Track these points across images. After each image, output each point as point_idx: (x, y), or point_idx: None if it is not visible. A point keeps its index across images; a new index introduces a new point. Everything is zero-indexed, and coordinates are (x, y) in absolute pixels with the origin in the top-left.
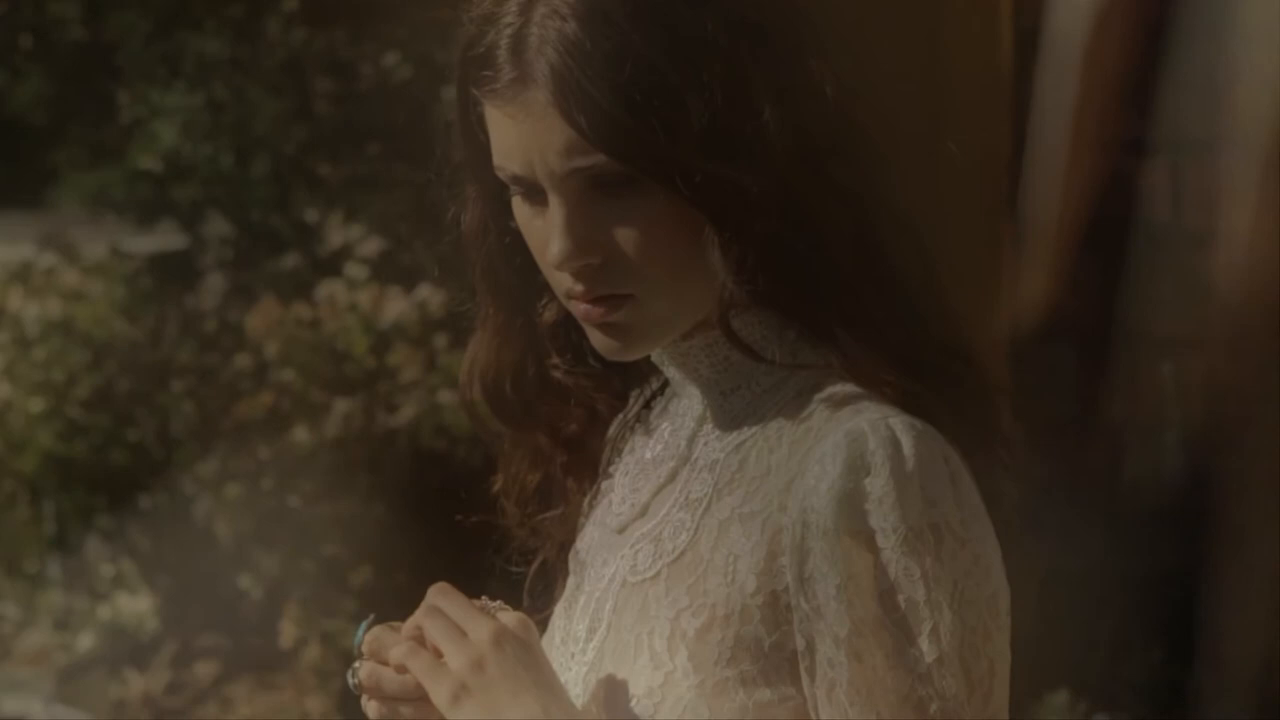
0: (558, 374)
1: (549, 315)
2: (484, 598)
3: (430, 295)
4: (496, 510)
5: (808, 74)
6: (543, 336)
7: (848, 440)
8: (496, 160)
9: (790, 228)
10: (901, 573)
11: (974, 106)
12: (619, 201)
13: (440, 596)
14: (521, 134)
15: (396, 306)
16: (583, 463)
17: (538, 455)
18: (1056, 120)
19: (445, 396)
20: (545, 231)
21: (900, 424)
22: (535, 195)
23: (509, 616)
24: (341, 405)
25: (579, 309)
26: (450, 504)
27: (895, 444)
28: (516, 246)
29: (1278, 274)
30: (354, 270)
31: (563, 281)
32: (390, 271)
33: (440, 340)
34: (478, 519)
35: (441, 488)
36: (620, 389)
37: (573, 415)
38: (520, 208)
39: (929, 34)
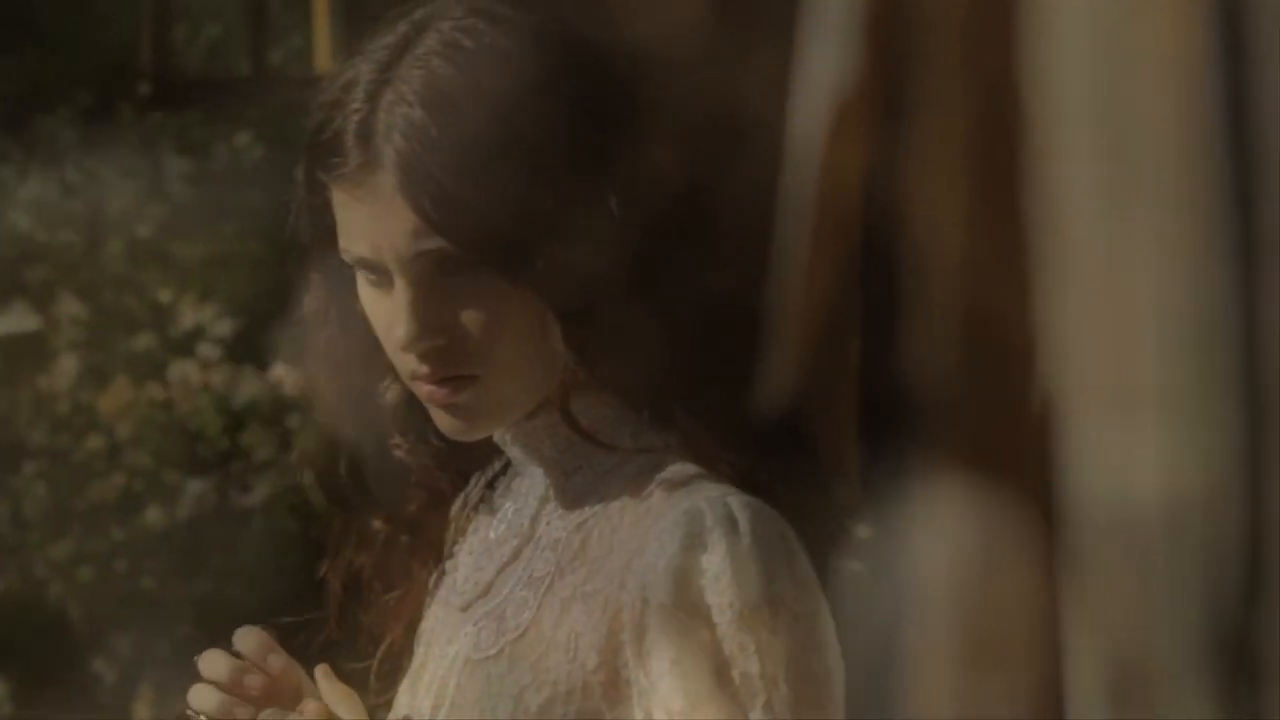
0: (399, 454)
1: (391, 396)
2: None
3: (284, 375)
4: (324, 597)
5: (652, 164)
6: (384, 417)
7: (685, 518)
8: (343, 243)
9: (633, 314)
10: (736, 647)
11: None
12: (465, 284)
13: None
14: (369, 218)
15: (250, 386)
16: (425, 543)
17: (367, 537)
18: (800, 215)
19: (297, 477)
20: (391, 314)
21: (737, 502)
22: (382, 278)
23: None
24: (194, 486)
25: (423, 390)
26: (305, 584)
27: (732, 521)
28: (359, 328)
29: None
30: (207, 351)
31: (408, 363)
32: (244, 351)
33: (294, 420)
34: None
35: (297, 567)
36: (462, 469)
37: (413, 496)
38: (366, 290)
39: (771, 125)
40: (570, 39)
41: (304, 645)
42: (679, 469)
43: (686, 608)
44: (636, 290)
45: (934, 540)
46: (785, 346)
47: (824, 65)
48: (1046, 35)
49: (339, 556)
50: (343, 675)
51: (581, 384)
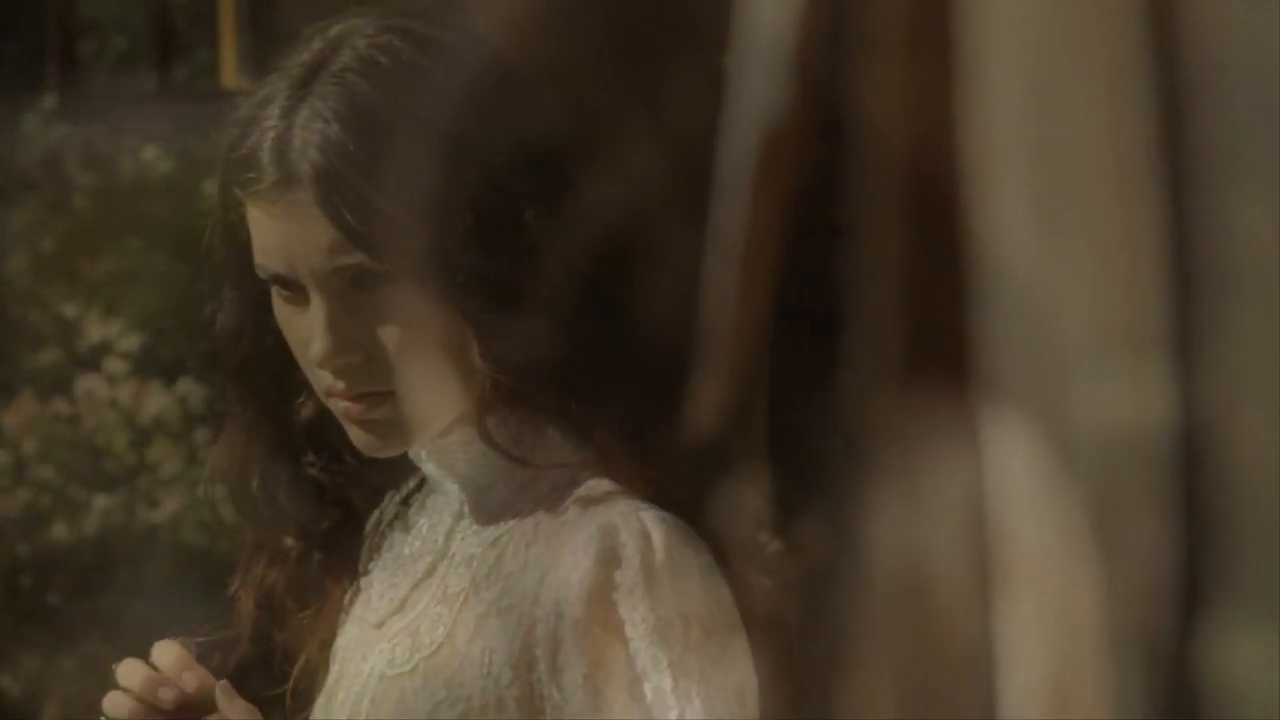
0: (313, 471)
1: (305, 412)
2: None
3: (191, 390)
4: (234, 613)
5: (570, 181)
6: (298, 434)
7: (600, 533)
8: (258, 259)
9: (552, 330)
10: (649, 662)
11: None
12: (381, 300)
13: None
14: (285, 234)
15: (157, 401)
16: (339, 560)
17: (278, 554)
18: (730, 240)
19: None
20: (307, 330)
21: (651, 518)
22: (297, 294)
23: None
24: (101, 501)
25: (339, 406)
26: (215, 600)
27: (646, 537)
28: (273, 345)
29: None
30: (113, 366)
31: (323, 379)
32: (150, 366)
33: (202, 435)
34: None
35: (205, 584)
36: (377, 486)
37: (327, 513)
38: (281, 307)
39: (690, 146)
40: (484, 56)
41: (220, 664)
42: (594, 484)
43: (600, 623)
44: (555, 304)
45: (876, 535)
46: (716, 370)
47: (755, 93)
48: (984, 49)
49: (250, 573)
50: (257, 697)
51: (498, 399)
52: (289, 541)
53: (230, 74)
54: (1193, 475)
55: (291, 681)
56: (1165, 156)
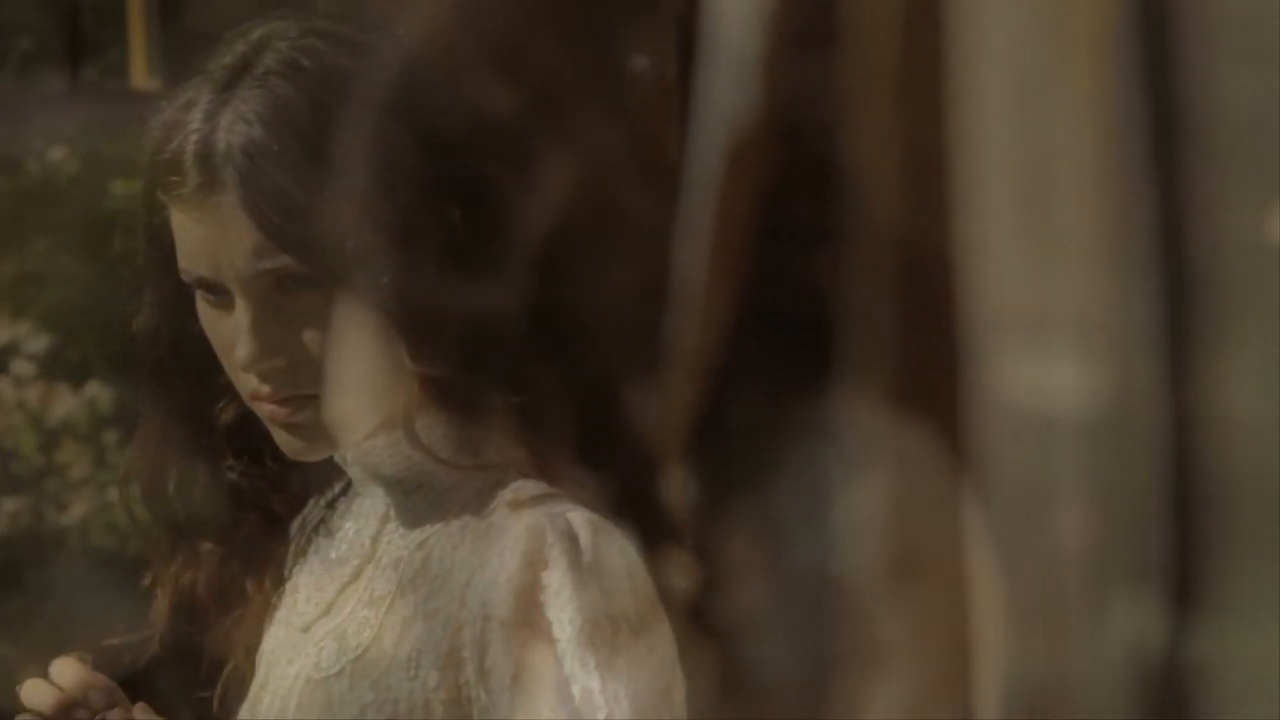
0: (233, 475)
1: (227, 417)
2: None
3: (100, 392)
4: (150, 615)
5: (496, 181)
6: (218, 437)
7: (526, 534)
8: (182, 263)
9: (480, 331)
10: (577, 664)
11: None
12: (306, 303)
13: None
14: (209, 238)
15: (65, 404)
16: (260, 564)
17: (195, 557)
18: (698, 244)
19: (116, 494)
20: (231, 334)
21: (579, 518)
22: (221, 298)
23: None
24: (9, 504)
25: (264, 410)
26: (125, 603)
27: (573, 538)
28: (194, 349)
29: None
30: (21, 367)
31: (248, 383)
32: (58, 368)
33: (110, 437)
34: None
35: (114, 586)
36: (300, 490)
37: (246, 517)
38: (205, 310)
39: (618, 145)
40: (407, 57)
41: (131, 665)
42: (521, 486)
43: (527, 624)
44: (482, 305)
45: (859, 478)
46: (683, 370)
47: (723, 98)
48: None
49: (165, 574)
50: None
51: (425, 402)
52: (206, 545)
53: (140, 74)
54: (1183, 468)
55: (219, 688)
56: (1150, 172)
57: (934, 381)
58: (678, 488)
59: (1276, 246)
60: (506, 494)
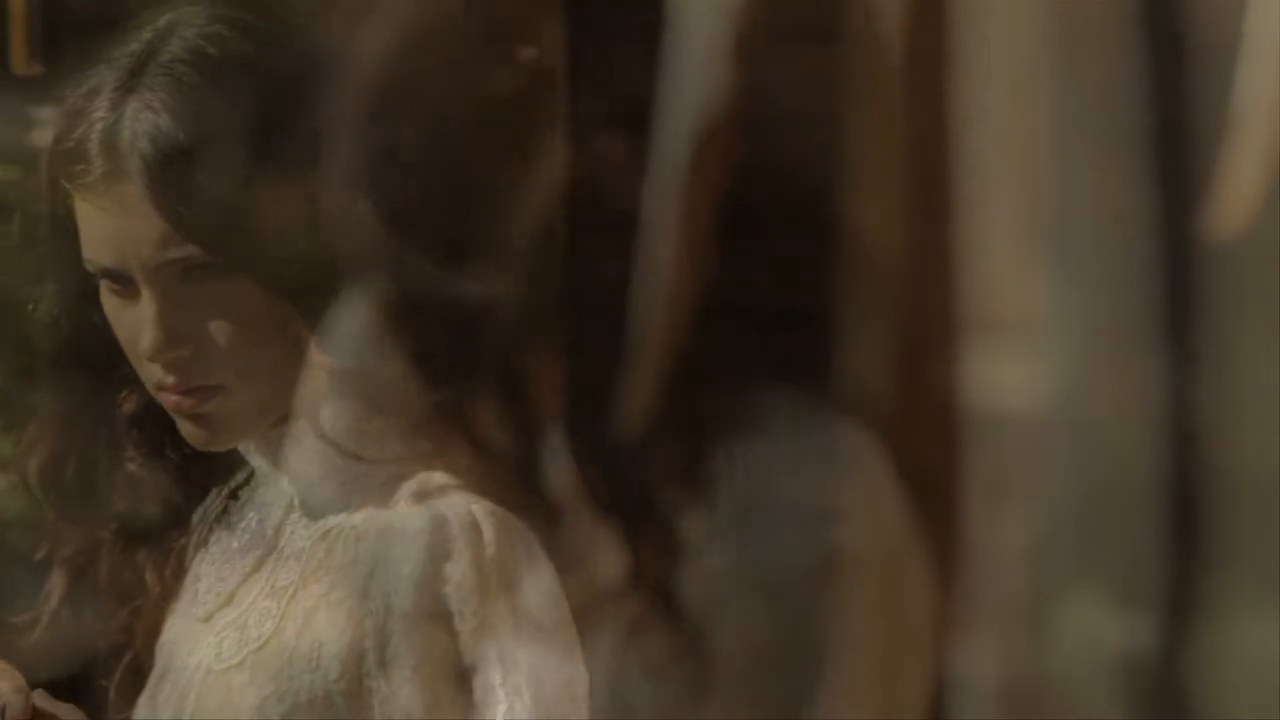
0: (133, 467)
1: (129, 406)
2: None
3: None
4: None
5: (407, 167)
6: (119, 428)
7: (430, 526)
8: (87, 253)
9: (387, 320)
10: (478, 656)
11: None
12: (212, 293)
13: None
14: (115, 227)
15: None
16: (160, 555)
17: (94, 546)
18: (663, 238)
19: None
20: (136, 324)
21: (482, 511)
22: (127, 288)
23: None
24: None
25: (169, 400)
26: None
27: (476, 530)
28: (95, 339)
29: None
30: None
31: (153, 374)
32: None
33: None
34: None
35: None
36: (201, 482)
37: (146, 508)
38: (110, 301)
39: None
40: (313, 44)
41: (19, 647)
42: (426, 478)
43: (429, 616)
44: (390, 294)
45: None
46: (645, 369)
47: (690, 90)
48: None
49: (61, 559)
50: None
51: (331, 393)
52: (105, 535)
53: (20, 60)
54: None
55: (117, 676)
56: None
57: (894, 377)
58: (584, 480)
59: (1226, 244)
60: (411, 485)
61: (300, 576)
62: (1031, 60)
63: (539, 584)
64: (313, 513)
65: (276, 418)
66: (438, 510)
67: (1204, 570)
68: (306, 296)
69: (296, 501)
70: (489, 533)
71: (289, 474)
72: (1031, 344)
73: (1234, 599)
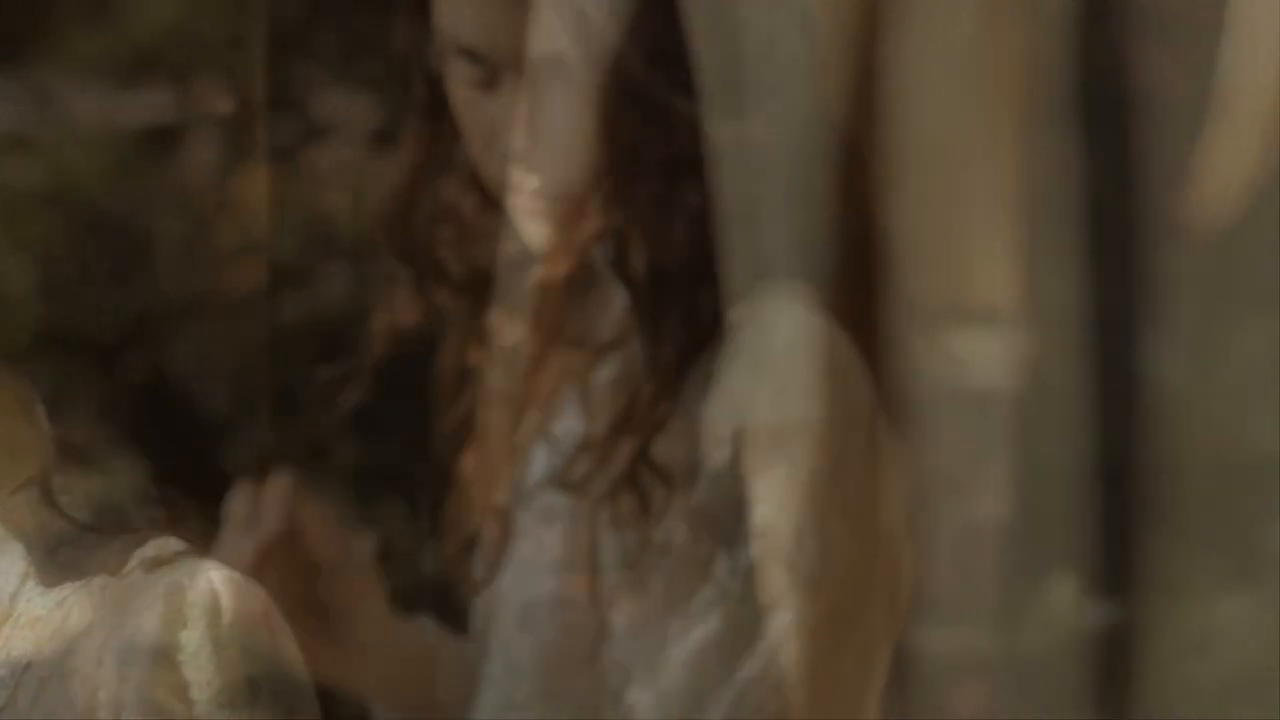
0: None
1: None
2: None
3: None
4: None
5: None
6: None
7: (166, 594)
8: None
9: (119, 391)
10: None
11: None
12: None
13: None
14: None
15: None
16: None
17: None
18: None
19: None
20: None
21: (220, 578)
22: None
23: None
24: None
25: None
26: None
27: (214, 597)
28: None
29: None
30: None
31: None
32: None
33: None
34: None
35: None
36: None
37: None
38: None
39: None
40: None
41: None
42: (162, 544)
43: (164, 685)
44: (122, 363)
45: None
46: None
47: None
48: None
49: None
50: None
51: (65, 461)
52: None
53: None
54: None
55: None
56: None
57: (865, 354)
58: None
59: (1197, 227)
60: (146, 552)
61: (35, 645)
62: (977, 37)
63: (279, 651)
64: (49, 580)
65: (16, 484)
66: (175, 578)
67: (1168, 548)
68: (39, 367)
69: (33, 569)
70: (227, 600)
71: (25, 541)
72: (1000, 326)
73: (1197, 576)
